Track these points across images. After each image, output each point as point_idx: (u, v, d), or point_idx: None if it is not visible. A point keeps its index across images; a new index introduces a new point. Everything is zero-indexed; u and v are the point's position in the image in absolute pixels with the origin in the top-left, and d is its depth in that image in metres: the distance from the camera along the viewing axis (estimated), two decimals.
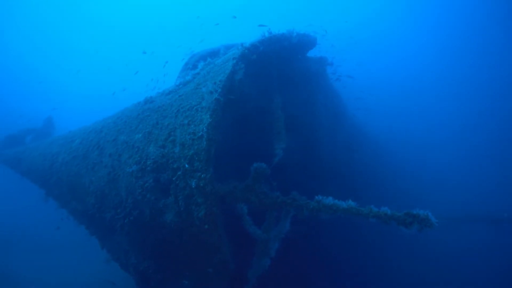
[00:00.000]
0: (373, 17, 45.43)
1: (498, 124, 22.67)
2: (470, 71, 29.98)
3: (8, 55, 53.22)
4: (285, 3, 51.28)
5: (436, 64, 32.70)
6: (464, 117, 24.66)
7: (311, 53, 8.43)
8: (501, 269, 10.23)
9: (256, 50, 5.62)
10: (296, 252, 6.64)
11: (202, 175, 4.16)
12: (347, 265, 8.53)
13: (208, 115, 4.37)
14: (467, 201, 13.44)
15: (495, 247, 11.41)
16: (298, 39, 7.02)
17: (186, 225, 4.48)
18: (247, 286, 4.95)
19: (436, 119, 24.47)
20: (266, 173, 4.85)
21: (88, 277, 11.48)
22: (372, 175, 11.25)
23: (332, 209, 4.44)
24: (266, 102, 7.05)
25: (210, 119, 4.33)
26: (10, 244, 14.56)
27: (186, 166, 4.28)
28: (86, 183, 5.94)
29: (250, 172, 4.86)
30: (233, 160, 6.46)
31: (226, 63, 5.29)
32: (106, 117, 7.05)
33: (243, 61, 5.12)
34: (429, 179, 14.71)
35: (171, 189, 4.50)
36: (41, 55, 56.18)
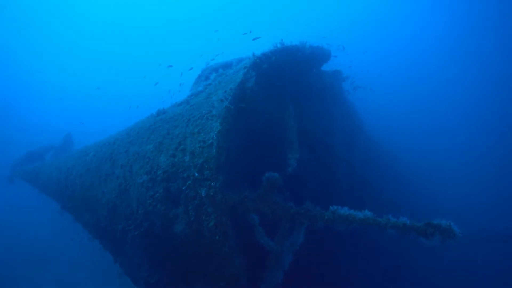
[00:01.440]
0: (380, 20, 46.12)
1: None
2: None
3: (27, 69, 55.64)
4: (299, 17, 52.21)
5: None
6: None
7: (326, 67, 8.35)
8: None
9: (267, 60, 5.57)
10: (311, 265, 6.39)
11: (212, 183, 4.06)
12: (365, 276, 8.20)
13: (218, 122, 4.30)
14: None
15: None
16: (311, 51, 6.95)
17: (196, 236, 4.37)
18: None
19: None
20: (279, 183, 4.71)
21: None
22: (389, 191, 10.93)
23: (348, 219, 4.26)
24: (280, 114, 6.97)
25: (220, 126, 4.25)
26: (22, 260, 14.67)
27: (196, 174, 4.20)
28: (98, 195, 5.93)
29: (262, 182, 4.74)
30: (248, 174, 6.35)
31: (237, 72, 5.26)
32: (121, 130, 7.11)
33: (254, 70, 5.07)
34: (446, 193, 14.27)
35: (181, 199, 4.42)
36: (62, 68, 58.50)
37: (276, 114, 7.06)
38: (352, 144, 9.60)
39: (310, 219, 4.50)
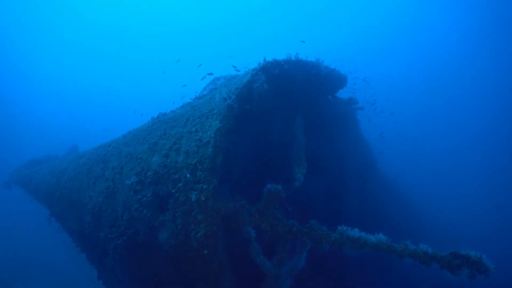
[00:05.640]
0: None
1: None
2: None
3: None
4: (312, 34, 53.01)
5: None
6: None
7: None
8: None
9: (279, 66, 5.18)
10: None
11: (204, 186, 3.55)
12: None
13: (218, 120, 3.86)
14: None
15: None
16: (327, 72, 6.55)
17: (182, 248, 3.81)
18: None
19: None
20: (281, 196, 4.17)
21: None
22: (403, 228, 10.18)
23: (358, 243, 3.69)
24: (290, 129, 6.49)
25: (219, 124, 3.80)
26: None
27: (188, 176, 3.71)
28: (85, 199, 5.44)
29: (263, 195, 4.21)
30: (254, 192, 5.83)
31: (245, 75, 4.89)
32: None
33: (263, 73, 4.67)
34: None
35: (169, 204, 3.90)
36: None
37: (287, 130, 6.60)
38: (364, 176, 9.03)
39: (314, 240, 3.91)
